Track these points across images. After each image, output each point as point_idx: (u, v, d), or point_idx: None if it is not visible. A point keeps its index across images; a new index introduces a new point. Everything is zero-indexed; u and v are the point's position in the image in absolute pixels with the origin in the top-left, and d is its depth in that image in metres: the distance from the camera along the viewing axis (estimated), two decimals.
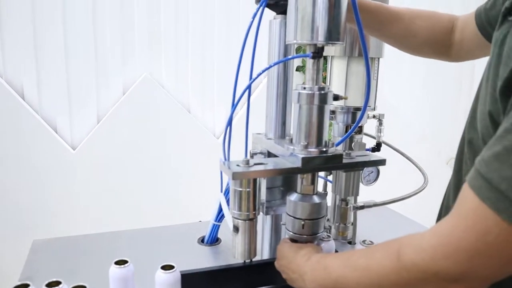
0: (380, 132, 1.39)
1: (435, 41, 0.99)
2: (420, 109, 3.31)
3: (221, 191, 1.23)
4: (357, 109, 1.26)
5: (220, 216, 1.30)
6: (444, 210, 0.77)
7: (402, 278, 0.60)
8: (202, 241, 1.35)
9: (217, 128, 2.79)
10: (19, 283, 0.76)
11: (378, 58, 1.26)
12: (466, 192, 0.54)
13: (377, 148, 1.38)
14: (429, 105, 3.34)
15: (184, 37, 2.61)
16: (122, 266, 0.83)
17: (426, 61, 3.05)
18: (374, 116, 1.38)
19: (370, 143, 1.36)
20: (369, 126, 1.34)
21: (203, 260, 1.25)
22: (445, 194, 0.81)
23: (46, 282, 0.77)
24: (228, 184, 1.20)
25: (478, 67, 3.30)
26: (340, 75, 1.24)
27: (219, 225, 1.32)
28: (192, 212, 2.01)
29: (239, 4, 2.69)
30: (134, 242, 1.36)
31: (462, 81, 3.41)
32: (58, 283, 0.77)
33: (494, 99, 0.59)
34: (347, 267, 0.70)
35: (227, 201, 1.16)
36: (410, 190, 1.40)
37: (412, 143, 1.44)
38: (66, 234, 1.38)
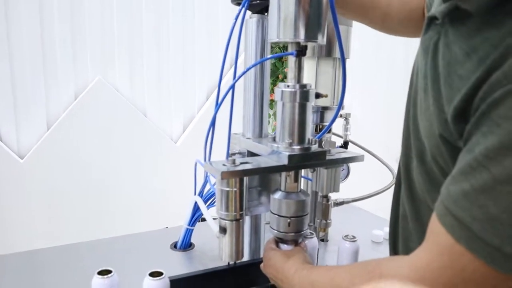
0: (347, 131, 1.43)
1: (410, 21, 0.99)
2: (370, 108, 3.44)
3: (195, 194, 1.20)
4: (325, 108, 1.28)
5: (193, 220, 1.27)
6: (401, 218, 0.77)
7: None
8: (175, 246, 1.32)
9: (175, 132, 2.73)
10: None
11: (346, 59, 1.29)
12: (437, 228, 0.54)
13: (344, 146, 1.41)
14: (380, 105, 3.48)
15: (138, 38, 2.54)
16: (106, 276, 0.78)
17: (376, 58, 3.14)
18: (341, 116, 1.41)
19: (337, 142, 1.39)
20: (335, 125, 1.37)
21: (179, 265, 1.21)
22: (395, 205, 0.80)
23: None
24: (202, 186, 1.18)
25: None
26: (310, 75, 1.26)
27: (192, 230, 1.30)
28: (156, 219, 1.96)
29: (194, 3, 2.67)
30: (101, 252, 1.30)
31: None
32: None
33: (443, 121, 0.58)
34: (332, 287, 0.70)
35: (205, 201, 1.13)
36: (375, 188, 1.45)
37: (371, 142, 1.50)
38: (18, 249, 1.29)
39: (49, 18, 2.27)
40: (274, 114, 1.89)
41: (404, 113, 0.77)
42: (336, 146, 1.31)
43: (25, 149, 2.33)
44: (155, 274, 0.80)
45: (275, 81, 2.86)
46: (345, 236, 1.01)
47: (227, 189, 0.84)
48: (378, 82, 3.44)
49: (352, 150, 1.28)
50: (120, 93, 2.51)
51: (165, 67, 2.64)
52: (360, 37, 3.11)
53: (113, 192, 2.53)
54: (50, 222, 2.36)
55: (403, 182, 0.75)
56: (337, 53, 1.24)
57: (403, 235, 0.77)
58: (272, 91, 0.93)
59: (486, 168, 0.49)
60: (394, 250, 0.81)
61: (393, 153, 3.79)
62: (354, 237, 1.01)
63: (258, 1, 0.93)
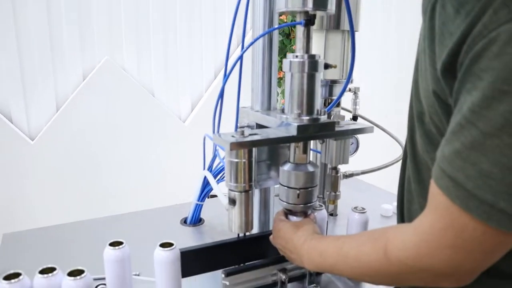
0: (356, 105, 1.42)
1: None
2: (381, 83, 3.40)
3: (204, 168, 1.21)
4: (334, 81, 1.27)
5: (203, 195, 1.28)
6: (406, 181, 0.78)
7: (392, 272, 0.62)
8: (185, 222, 1.33)
9: (183, 111, 2.73)
10: (11, 272, 0.71)
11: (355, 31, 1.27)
12: (435, 191, 0.55)
13: (353, 120, 1.41)
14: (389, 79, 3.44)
15: (145, 18, 2.52)
16: (118, 247, 0.79)
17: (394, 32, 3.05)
18: (349, 90, 1.40)
19: (346, 117, 1.39)
20: (344, 99, 1.35)
21: (189, 240, 1.23)
22: (401, 174, 0.81)
23: (40, 269, 0.73)
24: (212, 160, 1.19)
25: None
26: (318, 48, 1.25)
27: (201, 205, 1.31)
28: (165, 198, 1.97)
29: None
30: (112, 227, 1.32)
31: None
32: (52, 269, 0.73)
33: (436, 78, 0.58)
34: (340, 256, 0.71)
35: (214, 176, 1.14)
36: (384, 161, 1.44)
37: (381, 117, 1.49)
38: (31, 227, 1.31)
39: (56, 0, 2.26)
40: (282, 92, 1.88)
41: None
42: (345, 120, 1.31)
43: (36, 130, 2.34)
44: (165, 245, 0.81)
45: (282, 58, 2.83)
46: (354, 207, 1.01)
47: (236, 160, 0.85)
48: (387, 55, 3.39)
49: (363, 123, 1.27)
50: (128, 73, 2.50)
51: (172, 46, 2.62)
52: (370, 9, 3.06)
53: (123, 171, 2.55)
54: (62, 201, 2.39)
55: (408, 145, 0.75)
56: (346, 26, 1.22)
57: (407, 198, 0.77)
58: (280, 68, 0.93)
59: (474, 124, 0.49)
60: (400, 215, 0.81)
61: (403, 127, 3.77)
62: (363, 208, 1.01)
63: None
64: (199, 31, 2.69)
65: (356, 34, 1.31)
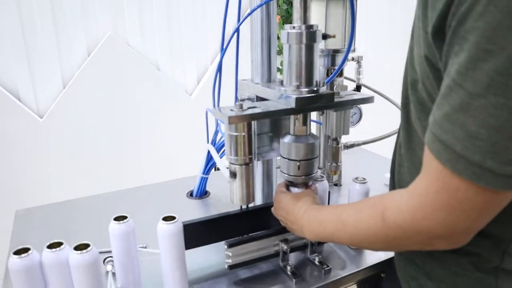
0: (360, 74, 1.40)
1: None
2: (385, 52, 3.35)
3: (207, 142, 1.22)
4: (336, 51, 1.25)
5: (208, 168, 1.30)
6: (398, 146, 0.79)
7: (389, 236, 0.63)
8: (191, 195, 1.35)
9: (189, 84, 2.73)
10: (20, 247, 0.73)
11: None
12: (428, 155, 0.56)
13: (357, 90, 1.39)
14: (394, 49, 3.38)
15: None
16: (122, 222, 0.81)
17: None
18: (353, 59, 1.38)
19: (350, 86, 1.37)
20: (347, 69, 1.34)
21: (195, 212, 1.25)
22: (397, 136, 0.82)
23: (48, 244, 0.75)
24: (215, 134, 1.19)
25: None
26: (320, 17, 1.22)
27: (207, 178, 1.33)
28: (173, 171, 2.00)
29: None
30: (120, 201, 1.35)
31: None
32: (60, 244, 0.75)
33: (427, 43, 0.58)
34: (339, 224, 0.73)
35: (217, 150, 1.15)
36: (389, 131, 1.43)
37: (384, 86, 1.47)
38: (41, 204, 1.35)
39: None
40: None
41: None
42: (348, 90, 1.30)
43: (44, 108, 2.36)
44: (168, 219, 0.83)
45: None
46: (355, 178, 1.02)
47: (235, 133, 0.85)
48: (394, 22, 3.31)
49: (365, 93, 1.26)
50: (132, 47, 2.49)
51: (176, 19, 2.59)
52: None
53: (130, 145, 2.58)
54: (71, 177, 2.44)
55: (402, 112, 0.75)
56: None
57: (398, 162, 0.78)
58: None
59: (461, 86, 0.49)
60: (392, 178, 0.83)
61: None
62: (364, 179, 1.01)
63: None
64: (203, 3, 2.65)
65: (362, 1, 1.29)
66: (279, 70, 1.02)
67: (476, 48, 0.47)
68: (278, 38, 0.95)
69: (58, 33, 2.31)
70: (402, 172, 0.76)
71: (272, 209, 0.95)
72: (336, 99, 0.92)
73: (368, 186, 1.02)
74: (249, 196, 0.91)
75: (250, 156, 0.88)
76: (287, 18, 2.83)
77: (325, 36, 0.90)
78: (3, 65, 2.21)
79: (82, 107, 2.41)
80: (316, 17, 1.20)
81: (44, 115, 2.36)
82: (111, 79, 2.45)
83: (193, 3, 2.61)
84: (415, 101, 0.67)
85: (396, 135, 0.82)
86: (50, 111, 2.36)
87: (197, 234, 0.92)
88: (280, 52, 1.52)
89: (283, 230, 0.94)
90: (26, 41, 2.23)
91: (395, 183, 0.80)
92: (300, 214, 0.84)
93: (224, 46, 0.86)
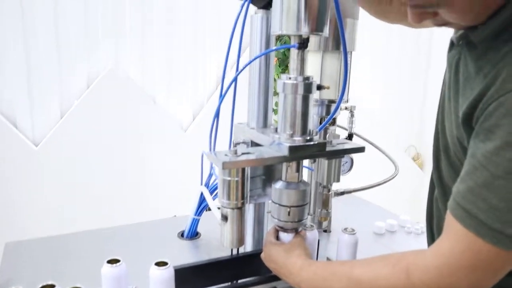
0: (352, 124, 1.44)
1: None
2: (380, 102, 3.44)
3: (201, 184, 1.23)
4: (331, 101, 1.29)
5: (200, 210, 1.30)
6: (435, 200, 0.87)
7: None
8: (182, 235, 1.35)
9: (185, 120, 2.77)
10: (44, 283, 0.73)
11: (351, 52, 1.30)
12: (451, 220, 0.65)
13: (349, 138, 1.43)
14: (388, 98, 3.48)
15: (150, 27, 2.56)
16: (115, 265, 0.82)
17: (387, 56, 3.12)
18: (346, 108, 1.43)
19: (342, 135, 1.41)
20: (341, 118, 1.38)
21: (186, 254, 1.25)
22: (430, 195, 0.90)
23: (40, 286, 0.75)
24: (209, 176, 1.21)
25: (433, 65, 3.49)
26: (315, 69, 1.27)
27: (198, 219, 1.33)
28: (164, 206, 2.00)
29: None
30: (112, 239, 1.34)
31: (416, 81, 3.58)
32: (52, 286, 0.76)
33: (457, 124, 0.69)
34: (352, 281, 0.75)
35: (211, 192, 1.16)
36: (379, 179, 1.46)
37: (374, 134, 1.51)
38: (34, 235, 1.34)
39: (63, 7, 2.30)
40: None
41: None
42: (340, 138, 1.33)
43: (40, 136, 2.38)
44: (160, 264, 0.83)
45: (284, 70, 2.86)
46: (344, 228, 1.03)
47: (229, 178, 0.87)
48: (387, 73, 3.42)
49: (356, 142, 1.29)
50: (131, 81, 2.54)
51: (175, 56, 2.66)
52: (370, 29, 3.10)
53: (125, 179, 2.58)
54: (64, 208, 2.42)
55: (434, 170, 0.85)
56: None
57: (437, 215, 0.86)
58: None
59: (486, 168, 0.60)
60: (430, 230, 0.90)
61: (401, 143, 3.82)
62: (353, 230, 1.02)
63: None
64: (203, 41, 2.73)
65: (357, 53, 1.34)
66: (274, 110, 1.06)
67: (500, 140, 0.59)
68: (275, 80, 0.99)
69: (60, 62, 2.36)
70: (441, 223, 0.83)
71: (262, 256, 0.95)
72: (328, 148, 0.95)
73: (357, 237, 1.03)
74: (240, 239, 0.92)
75: (242, 201, 0.90)
76: (283, 60, 2.90)
77: (319, 87, 0.94)
78: (3, 92, 2.25)
79: (78, 137, 2.43)
80: (312, 67, 1.24)
81: (40, 143, 2.37)
82: (108, 111, 2.49)
83: (193, 41, 2.69)
84: (448, 164, 0.77)
85: (428, 191, 0.91)
86: (46, 140, 2.37)
87: (188, 278, 0.92)
88: (276, 93, 1.56)
89: (274, 277, 0.95)
90: (28, 68, 2.27)
91: (434, 235, 0.88)
92: (296, 270, 0.85)
93: (223, 93, 0.89)
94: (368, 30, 2.34)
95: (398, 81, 3.50)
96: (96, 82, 2.45)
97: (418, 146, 3.74)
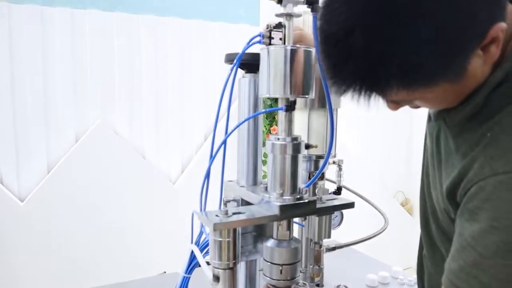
0: (340, 177, 1.46)
1: None
2: (368, 154, 3.51)
3: (192, 242, 1.23)
4: (319, 157, 1.32)
5: (190, 268, 1.28)
6: (424, 258, 0.89)
7: None
8: None
9: (173, 173, 2.77)
10: None
11: (337, 109, 1.34)
12: None
13: (338, 192, 1.44)
14: (375, 149, 3.54)
15: (138, 81, 2.62)
16: None
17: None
18: (334, 162, 1.45)
19: (331, 188, 1.43)
20: (329, 172, 1.41)
21: None
22: (419, 251, 0.92)
23: None
24: (199, 234, 1.21)
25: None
26: (302, 126, 1.31)
27: (189, 278, 1.31)
28: (153, 262, 1.96)
29: (191, 49, 2.77)
30: None
31: (401, 125, 3.67)
32: None
33: (443, 195, 0.71)
34: None
35: (201, 250, 1.15)
36: (369, 231, 1.47)
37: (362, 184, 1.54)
38: None
39: (51, 61, 2.35)
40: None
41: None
42: (329, 192, 1.35)
43: (26, 192, 2.35)
44: None
45: (271, 122, 2.92)
46: (337, 286, 1.03)
47: (220, 239, 0.87)
48: (372, 119, 3.51)
49: (345, 195, 1.31)
50: (119, 135, 2.56)
51: (163, 110, 2.71)
52: None
53: (113, 234, 2.54)
54: (51, 264, 2.36)
55: (422, 229, 0.86)
56: None
57: (427, 271, 0.88)
58: (269, 131, 0.98)
59: (474, 248, 0.62)
60: (421, 284, 0.92)
61: (389, 189, 3.84)
62: (346, 287, 1.02)
63: (249, 61, 0.99)
64: (190, 95, 2.79)
65: (343, 109, 1.39)
66: (264, 161, 1.08)
67: (484, 223, 0.61)
68: (263, 131, 1.02)
69: (48, 117, 2.38)
70: (432, 280, 0.86)
71: None
72: (318, 205, 0.96)
73: None
74: None
75: (234, 261, 0.90)
76: (270, 113, 2.96)
77: (308, 146, 0.97)
78: None
79: (65, 192, 2.41)
80: (299, 125, 1.28)
81: (25, 199, 2.34)
82: (97, 165, 2.49)
83: (180, 94, 2.75)
84: (436, 227, 0.78)
85: (418, 248, 0.94)
86: (31, 195, 2.34)
87: None
88: (264, 144, 1.58)
89: None
90: (14, 122, 2.28)
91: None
92: None
93: (213, 154, 0.91)
94: None
95: (382, 127, 3.58)
96: (84, 136, 2.46)
97: (406, 192, 3.77)
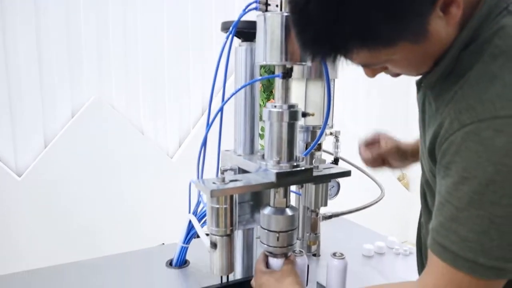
0: (337, 148, 1.47)
1: None
2: (365, 128, 3.50)
3: (189, 212, 1.24)
4: (316, 127, 1.32)
5: (188, 238, 1.30)
6: (421, 226, 0.89)
7: None
8: (171, 264, 1.34)
9: (171, 147, 2.77)
10: None
11: (334, 79, 1.34)
12: (431, 256, 0.67)
13: (335, 163, 1.45)
14: (372, 121, 3.54)
15: (134, 56, 2.59)
16: None
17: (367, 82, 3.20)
18: (331, 133, 1.46)
19: (328, 159, 1.43)
20: (326, 143, 1.41)
21: (175, 283, 1.24)
22: (419, 219, 0.93)
23: None
24: (197, 204, 1.21)
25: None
26: (299, 96, 1.30)
27: (187, 247, 1.32)
28: (151, 235, 1.98)
29: (188, 21, 2.73)
30: (98, 269, 1.33)
31: (398, 101, 3.66)
32: None
33: (427, 158, 0.73)
34: None
35: (199, 220, 1.17)
36: (366, 202, 1.48)
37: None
38: (17, 268, 1.31)
39: (45, 37, 2.31)
40: None
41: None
42: (326, 163, 1.35)
43: (23, 167, 2.35)
44: None
45: (269, 95, 2.91)
46: (333, 253, 1.04)
47: (217, 206, 0.88)
48: (369, 95, 3.51)
49: (342, 166, 1.32)
50: (116, 110, 2.55)
51: (160, 84, 2.68)
52: None
53: (111, 208, 2.55)
54: (50, 238, 2.38)
55: (421, 198, 0.87)
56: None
57: (424, 240, 0.88)
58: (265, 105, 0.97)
59: (450, 202, 0.64)
60: (419, 251, 0.92)
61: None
62: (342, 254, 1.03)
63: (246, 29, 0.98)
64: (187, 69, 2.77)
65: (339, 80, 1.38)
66: (261, 135, 1.08)
67: (456, 175, 0.62)
68: (260, 105, 1.02)
69: (44, 92, 2.35)
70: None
71: (252, 283, 0.95)
72: (315, 173, 0.97)
73: (346, 261, 1.04)
74: (229, 266, 0.92)
75: (231, 228, 0.90)
76: (268, 87, 2.95)
77: (304, 114, 0.97)
78: None
79: (63, 167, 2.41)
80: (296, 94, 1.27)
81: (23, 174, 2.34)
82: (93, 140, 2.48)
83: (177, 68, 2.72)
84: (431, 195, 0.79)
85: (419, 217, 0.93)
86: (29, 170, 2.34)
87: None
88: (261, 118, 1.58)
89: None
90: (10, 98, 2.25)
91: (422, 256, 0.90)
92: None
93: (210, 122, 0.91)
94: None
95: (380, 103, 3.57)
96: (81, 111, 2.44)
97: None
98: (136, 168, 2.61)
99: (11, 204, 2.30)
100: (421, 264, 0.91)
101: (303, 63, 0.90)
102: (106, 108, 2.50)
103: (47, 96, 2.37)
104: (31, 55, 2.29)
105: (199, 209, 1.21)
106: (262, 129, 0.96)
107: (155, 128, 2.70)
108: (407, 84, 3.63)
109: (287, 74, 0.90)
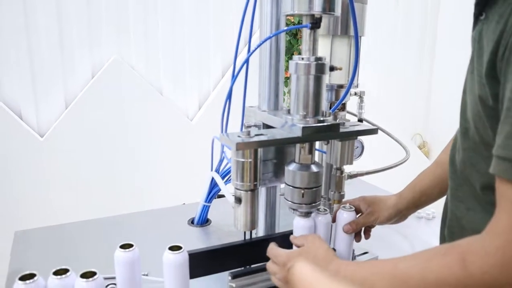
0: (362, 109, 1.43)
1: None
2: (385, 90, 3.43)
3: (211, 170, 1.23)
4: (340, 86, 1.28)
5: (210, 197, 1.30)
6: (451, 199, 0.80)
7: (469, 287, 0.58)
8: (192, 222, 1.35)
9: (190, 110, 2.76)
10: (26, 272, 0.72)
11: (361, 37, 1.28)
12: (501, 186, 0.56)
13: None
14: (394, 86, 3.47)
15: (154, 17, 2.55)
16: (128, 250, 0.81)
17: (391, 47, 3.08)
18: (355, 94, 1.41)
19: (352, 120, 1.40)
20: (350, 104, 1.37)
21: (197, 240, 1.25)
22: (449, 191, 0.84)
23: (54, 270, 0.74)
24: (219, 162, 1.20)
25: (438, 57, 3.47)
26: (325, 53, 1.26)
27: (209, 206, 1.32)
28: (172, 196, 1.99)
29: None
30: (120, 226, 1.35)
31: (421, 69, 3.56)
32: (66, 270, 0.74)
33: (481, 85, 0.62)
34: (397, 279, 0.65)
35: (222, 177, 1.16)
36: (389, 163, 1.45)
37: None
38: (40, 224, 1.34)
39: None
40: (289, 92, 1.87)
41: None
42: None
43: (45, 127, 2.38)
44: (174, 248, 0.82)
45: (289, 58, 2.85)
46: (343, 206, 1.01)
47: (242, 160, 0.86)
48: (394, 59, 3.41)
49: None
50: (136, 71, 2.53)
51: (180, 45, 2.65)
52: (377, 14, 3.08)
53: (131, 169, 2.58)
54: (71, 199, 2.43)
55: (450, 165, 0.79)
56: (352, 31, 1.23)
57: (450, 211, 0.80)
58: (287, 68, 0.94)
59: None
60: (443, 225, 0.85)
61: (407, 132, 3.81)
62: (351, 207, 1.01)
63: None
64: (207, 30, 2.71)
65: (364, 38, 1.33)
66: (285, 93, 1.06)
67: None
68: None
69: (64, 53, 2.35)
70: (453, 220, 0.78)
71: (291, 237, 0.93)
72: (342, 129, 0.94)
73: (355, 214, 1.01)
74: (253, 222, 0.92)
75: (255, 183, 0.89)
76: (289, 49, 2.89)
77: (332, 68, 0.93)
78: (7, 83, 2.24)
79: (84, 128, 2.43)
80: (321, 51, 1.23)
81: (45, 134, 2.36)
82: (113, 101, 2.48)
83: (197, 29, 2.67)
84: (466, 147, 0.71)
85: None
86: (51, 131, 2.37)
87: (201, 263, 0.91)
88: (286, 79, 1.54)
89: None
90: (31, 60, 2.26)
91: (446, 219, 0.82)
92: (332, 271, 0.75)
93: (235, 73, 0.88)
94: (374, 16, 2.31)
95: (403, 69, 3.48)
96: (100, 72, 2.44)
97: (424, 135, 3.72)
98: (156, 129, 2.62)
99: (34, 163, 2.34)
100: (444, 228, 0.84)
101: (333, 13, 0.85)
102: (126, 68, 2.49)
103: (67, 56, 2.36)
104: (50, 16, 2.27)
105: (221, 167, 1.20)
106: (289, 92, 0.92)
107: (175, 90, 2.69)
108: (432, 48, 3.52)
109: (315, 24, 0.86)
